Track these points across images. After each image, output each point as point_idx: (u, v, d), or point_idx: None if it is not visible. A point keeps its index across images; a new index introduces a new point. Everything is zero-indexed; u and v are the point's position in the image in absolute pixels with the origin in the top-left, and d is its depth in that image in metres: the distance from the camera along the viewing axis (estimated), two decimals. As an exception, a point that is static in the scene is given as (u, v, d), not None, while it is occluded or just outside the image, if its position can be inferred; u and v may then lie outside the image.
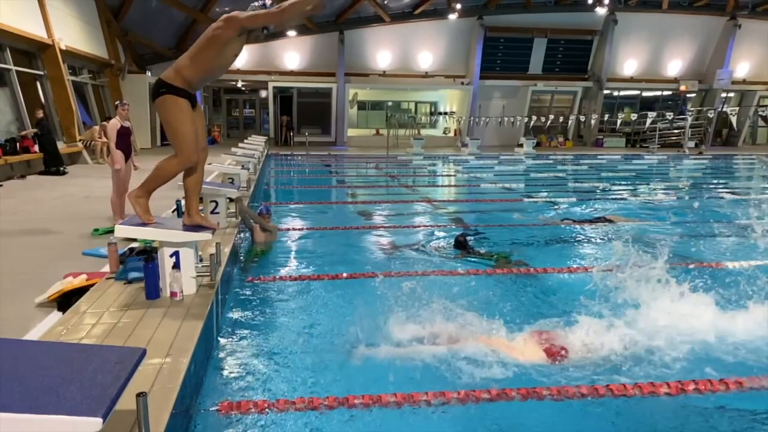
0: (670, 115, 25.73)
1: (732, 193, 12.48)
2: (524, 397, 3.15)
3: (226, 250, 5.16)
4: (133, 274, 4.28)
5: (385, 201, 10.72)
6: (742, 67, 28.27)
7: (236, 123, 30.88)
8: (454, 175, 16.85)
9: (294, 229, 7.86)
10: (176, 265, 3.92)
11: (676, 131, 27.18)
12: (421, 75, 26.57)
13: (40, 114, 13.38)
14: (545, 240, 7.40)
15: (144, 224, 3.92)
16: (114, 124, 7.44)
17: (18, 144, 12.89)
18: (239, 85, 27.44)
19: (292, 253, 6.68)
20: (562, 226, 8.22)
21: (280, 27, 4.46)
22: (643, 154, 22.92)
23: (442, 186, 15.36)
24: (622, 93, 29.07)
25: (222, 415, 2.97)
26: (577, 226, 8.10)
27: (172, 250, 3.93)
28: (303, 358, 3.68)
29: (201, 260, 4.37)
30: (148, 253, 4.15)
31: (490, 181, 14.23)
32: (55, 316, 4.06)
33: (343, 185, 14.27)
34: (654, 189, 13.30)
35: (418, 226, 8.44)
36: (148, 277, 3.88)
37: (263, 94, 28.36)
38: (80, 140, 15.95)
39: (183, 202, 4.51)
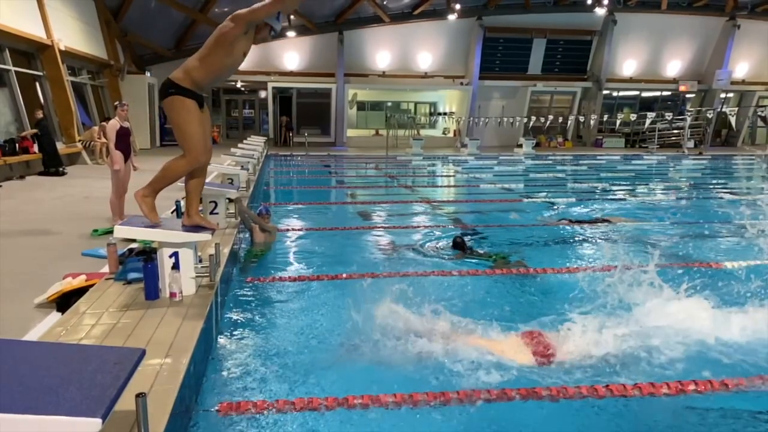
0: (669, 116, 25.76)
1: (731, 193, 12.49)
2: (523, 397, 3.16)
3: (226, 251, 5.17)
4: (132, 275, 4.28)
5: (385, 201, 10.72)
6: (741, 68, 28.30)
7: (235, 123, 30.87)
8: (454, 176, 16.86)
9: (293, 230, 7.87)
10: (176, 266, 3.92)
11: (675, 131, 27.20)
12: (420, 75, 26.58)
13: (39, 114, 13.38)
14: (544, 240, 7.41)
15: (143, 225, 3.92)
16: (113, 124, 7.44)
17: (17, 144, 12.89)
18: (238, 85, 27.44)
19: (292, 253, 6.69)
20: (561, 226, 8.23)
21: (285, 23, 4.46)
22: (642, 155, 22.94)
23: (441, 186, 15.36)
24: (622, 93, 29.09)
25: (221, 416, 2.97)
26: (576, 227, 8.10)
27: (171, 250, 3.93)
28: (302, 359, 3.68)
29: (200, 261, 4.37)
30: (147, 254, 4.15)
31: (490, 182, 14.24)
32: (55, 316, 4.06)
33: (342, 186, 14.28)
34: (653, 189, 13.31)
35: (417, 227, 8.45)
36: (147, 277, 3.88)
37: (262, 94, 28.37)
38: (79, 141, 15.95)
39: (182, 203, 4.51)
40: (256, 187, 10.79)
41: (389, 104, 29.11)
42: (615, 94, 28.85)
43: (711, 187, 13.86)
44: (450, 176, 16.97)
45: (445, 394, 3.15)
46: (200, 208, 4.45)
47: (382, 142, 23.62)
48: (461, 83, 26.70)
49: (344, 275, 5.48)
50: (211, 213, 6.39)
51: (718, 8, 26.66)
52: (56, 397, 1.70)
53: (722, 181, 15.35)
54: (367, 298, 3.96)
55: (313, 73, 25.57)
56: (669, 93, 29.05)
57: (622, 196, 11.51)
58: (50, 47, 14.98)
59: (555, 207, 9.97)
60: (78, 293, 4.19)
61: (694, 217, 9.29)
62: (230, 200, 6.79)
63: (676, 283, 4.39)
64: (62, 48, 15.44)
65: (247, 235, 6.79)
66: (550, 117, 24.97)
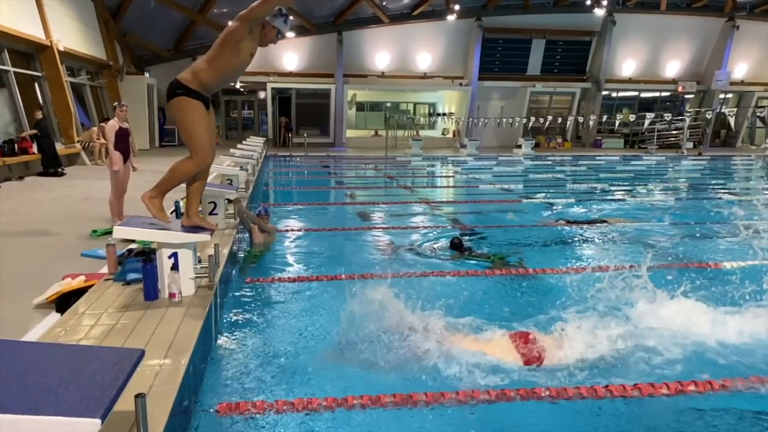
0: (668, 116, 25.78)
1: (730, 193, 12.50)
2: (523, 397, 3.16)
3: (225, 252, 5.17)
4: (131, 276, 4.28)
5: (384, 202, 10.73)
6: (740, 68, 28.34)
7: (235, 124, 30.86)
8: (453, 176, 16.86)
9: (292, 230, 7.87)
10: (175, 267, 3.93)
11: (674, 132, 27.22)
12: (419, 76, 26.59)
13: (39, 115, 13.38)
14: (542, 241, 7.41)
15: (142, 225, 3.92)
16: (112, 125, 7.44)
17: (16, 145, 12.88)
18: (237, 86, 27.43)
19: (291, 254, 6.69)
20: (559, 227, 8.23)
21: (287, 20, 4.47)
22: (641, 155, 22.95)
23: (440, 187, 15.37)
24: (621, 94, 29.11)
25: (220, 416, 2.98)
26: (574, 227, 8.11)
27: (170, 251, 3.93)
28: (301, 359, 3.68)
29: (199, 261, 4.38)
30: (146, 255, 4.16)
31: (489, 182, 14.25)
32: (54, 317, 4.07)
33: (341, 186, 14.28)
34: (652, 190, 13.32)
35: (416, 227, 8.46)
36: (146, 278, 3.88)
37: (262, 95, 28.36)
38: (78, 141, 15.94)
39: (182, 203, 4.51)
40: (255, 188, 10.80)
41: (388, 105, 29.12)
42: (614, 94, 28.88)
43: (710, 187, 13.88)
44: (449, 177, 16.97)
45: (444, 395, 3.15)
46: (199, 209, 4.45)
47: (382, 143, 23.62)
48: (460, 84, 26.71)
49: (343, 276, 5.47)
50: (210, 213, 6.40)
51: (717, 9, 26.70)
52: (55, 397, 1.70)
53: (721, 182, 15.37)
54: (365, 299, 3.96)
55: (312, 73, 25.58)
56: (668, 93, 29.08)
57: (621, 197, 11.52)
58: (49, 48, 14.98)
59: (554, 207, 9.98)
60: (77, 294, 4.20)
61: (693, 217, 9.29)
62: (229, 201, 6.79)
63: (676, 284, 4.40)
64: (61, 48, 15.44)
65: (246, 236, 6.79)
66: (549, 118, 24.98)
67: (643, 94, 29.41)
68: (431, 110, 30.06)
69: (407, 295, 4.06)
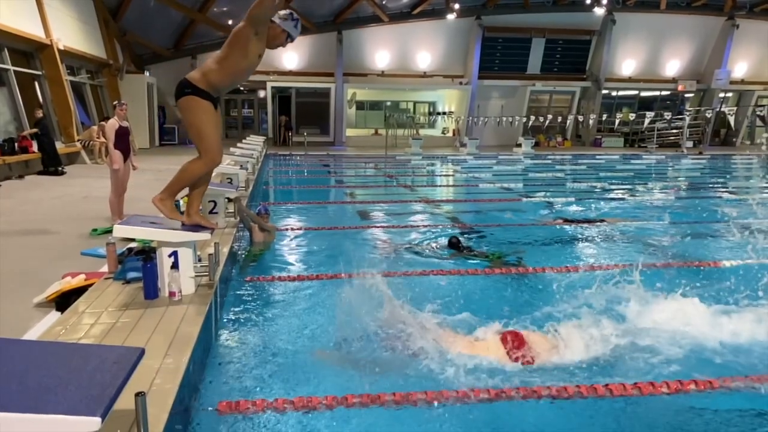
0: (668, 115, 25.77)
1: (730, 192, 12.50)
2: (523, 397, 3.17)
3: (225, 250, 5.17)
4: (131, 274, 4.28)
5: (384, 201, 10.73)
6: (740, 67, 28.35)
7: (235, 123, 30.84)
8: (453, 175, 16.86)
9: (292, 229, 7.87)
10: (175, 265, 3.92)
11: (674, 131, 27.23)
12: (419, 75, 26.59)
13: (39, 114, 13.38)
14: (542, 240, 7.41)
15: (142, 224, 3.92)
16: (112, 124, 7.44)
17: (16, 144, 12.89)
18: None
19: (291, 253, 6.69)
20: (559, 226, 8.23)
21: (298, 24, 4.46)
22: (641, 154, 22.95)
23: (440, 186, 15.37)
24: (621, 93, 29.12)
25: (221, 415, 2.98)
26: (574, 226, 8.10)
27: (170, 250, 3.93)
28: (301, 358, 3.68)
29: (199, 260, 4.37)
30: (146, 253, 4.16)
31: (489, 181, 14.24)
32: (54, 316, 4.07)
33: (341, 185, 14.28)
34: (651, 189, 13.31)
35: (416, 226, 8.45)
36: (146, 277, 3.88)
37: (261, 94, 28.35)
38: (78, 140, 15.95)
39: (182, 202, 4.51)
40: (256, 187, 10.79)
41: (388, 104, 29.12)
42: (614, 93, 28.89)
43: (710, 186, 13.88)
44: (449, 176, 16.97)
45: (443, 393, 3.15)
46: (200, 208, 4.46)
47: (381, 142, 23.62)
48: (460, 83, 26.70)
49: (343, 274, 5.47)
50: (210, 212, 6.39)
51: (717, 8, 26.70)
52: (55, 396, 1.70)
53: (721, 181, 15.36)
54: (365, 297, 3.96)
55: (312, 72, 25.58)
56: (668, 92, 29.09)
57: (621, 196, 11.52)
58: (49, 47, 14.98)
59: (553, 206, 9.98)
60: (77, 292, 4.20)
61: (693, 216, 9.29)
62: (229, 200, 6.79)
63: (675, 283, 4.40)
64: (61, 47, 15.44)
65: (246, 235, 6.79)
66: (549, 116, 24.98)
67: (643, 93, 29.41)
68: (431, 109, 30.08)
69: (406, 293, 4.07)
